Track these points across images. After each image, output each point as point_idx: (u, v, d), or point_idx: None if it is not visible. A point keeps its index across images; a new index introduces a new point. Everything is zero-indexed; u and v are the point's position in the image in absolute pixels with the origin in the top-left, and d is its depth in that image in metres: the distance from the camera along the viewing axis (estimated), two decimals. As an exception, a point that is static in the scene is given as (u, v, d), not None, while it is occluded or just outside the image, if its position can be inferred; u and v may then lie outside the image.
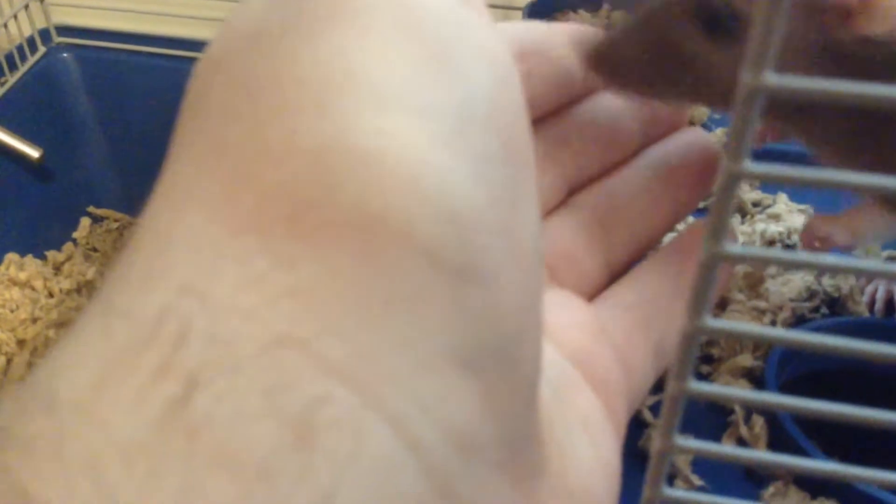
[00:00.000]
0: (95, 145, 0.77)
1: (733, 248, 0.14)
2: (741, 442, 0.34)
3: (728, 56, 0.27)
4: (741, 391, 0.16)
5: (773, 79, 0.13)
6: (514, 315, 0.16)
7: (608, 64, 0.28)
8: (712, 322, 0.15)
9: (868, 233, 0.33)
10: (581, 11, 0.63)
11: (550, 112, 0.29)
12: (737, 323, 0.15)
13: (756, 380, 0.37)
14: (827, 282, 0.45)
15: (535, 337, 0.17)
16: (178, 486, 0.12)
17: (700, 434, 0.34)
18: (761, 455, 0.16)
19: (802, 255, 0.14)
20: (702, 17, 0.27)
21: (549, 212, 0.29)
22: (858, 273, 0.24)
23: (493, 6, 0.61)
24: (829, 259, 0.14)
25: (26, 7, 0.73)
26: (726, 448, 0.16)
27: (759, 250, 0.14)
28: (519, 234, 0.16)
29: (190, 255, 0.15)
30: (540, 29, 0.28)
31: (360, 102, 0.15)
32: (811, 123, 0.29)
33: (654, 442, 0.17)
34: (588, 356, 0.24)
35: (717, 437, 0.35)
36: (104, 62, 0.76)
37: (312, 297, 0.14)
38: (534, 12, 0.61)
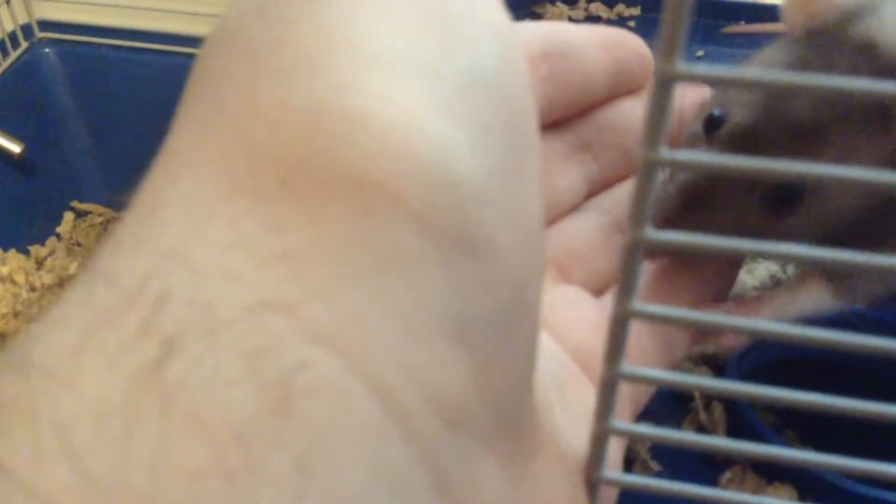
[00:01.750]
0: (78, 140, 0.77)
1: (655, 233, 0.15)
2: (701, 428, 0.35)
3: (790, 225, 0.27)
4: (667, 374, 0.17)
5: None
6: (510, 288, 0.16)
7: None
8: (641, 306, 0.16)
9: (806, 308, 0.31)
10: (559, 4, 0.63)
11: (574, 114, 0.29)
12: (666, 308, 0.15)
13: (719, 367, 0.38)
14: (791, 270, 0.45)
15: (532, 314, 0.17)
16: (151, 451, 0.12)
17: (662, 421, 0.34)
18: (694, 437, 0.16)
19: (734, 242, 0.14)
20: (762, 193, 0.26)
21: (567, 211, 0.29)
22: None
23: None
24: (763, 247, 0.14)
25: (7, 2, 0.73)
26: (661, 431, 0.16)
27: (679, 235, 0.14)
28: (518, 208, 0.16)
29: (179, 218, 0.14)
30: (568, 30, 0.28)
31: (358, 65, 0.15)
32: None
33: (592, 425, 0.17)
34: (591, 353, 0.23)
35: (679, 424, 0.35)
36: (87, 57, 0.76)
37: (301, 261, 0.14)
38: (510, 4, 0.61)
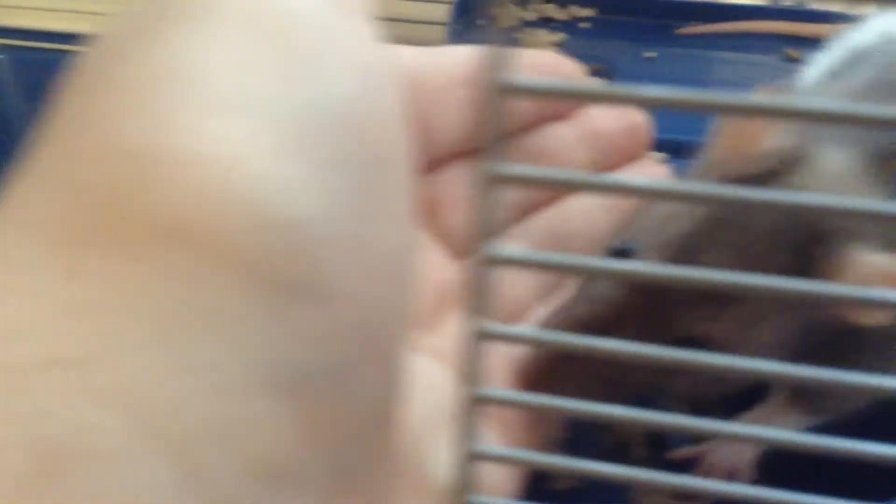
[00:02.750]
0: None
1: (503, 250, 0.14)
2: (620, 440, 0.34)
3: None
4: (522, 395, 0.16)
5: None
6: (355, 335, 0.15)
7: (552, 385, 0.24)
8: (492, 326, 0.15)
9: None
10: (510, 6, 0.63)
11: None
12: (516, 327, 0.14)
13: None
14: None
15: (386, 359, 0.16)
16: None
17: (585, 432, 0.33)
18: (569, 462, 0.16)
19: (579, 260, 0.14)
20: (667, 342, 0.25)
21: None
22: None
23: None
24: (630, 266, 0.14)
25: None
26: (521, 453, 0.16)
27: (528, 254, 0.14)
28: (374, 247, 0.16)
29: None
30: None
31: (187, 102, 0.14)
32: None
33: (458, 448, 0.17)
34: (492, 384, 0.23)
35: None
36: (39, 63, 0.75)
37: (100, 314, 0.13)
38: (462, 5, 0.60)
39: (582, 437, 0.30)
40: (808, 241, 0.24)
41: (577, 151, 0.29)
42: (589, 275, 0.23)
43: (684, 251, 0.24)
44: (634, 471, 0.15)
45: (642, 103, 0.12)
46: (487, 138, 0.13)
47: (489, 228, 0.14)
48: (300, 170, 0.14)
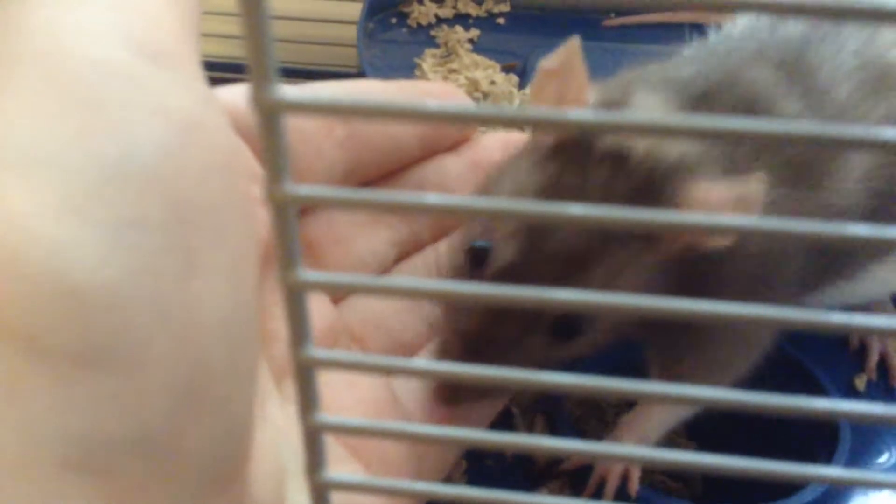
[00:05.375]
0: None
1: (311, 276, 0.13)
2: None
3: (574, 348, 0.26)
4: (372, 422, 0.15)
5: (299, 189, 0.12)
6: (167, 400, 0.14)
7: (454, 398, 0.25)
8: (317, 352, 0.14)
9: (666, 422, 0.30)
10: (427, 2, 0.62)
11: (382, 175, 0.28)
12: (345, 354, 0.14)
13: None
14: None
15: (221, 416, 0.16)
16: None
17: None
18: (424, 486, 0.15)
19: (383, 281, 0.13)
20: (546, 328, 0.25)
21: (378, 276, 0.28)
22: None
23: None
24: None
25: None
26: (370, 479, 0.15)
27: (335, 277, 0.13)
28: (189, 305, 0.15)
29: None
30: (371, 90, 0.27)
31: None
32: None
33: (307, 479, 0.16)
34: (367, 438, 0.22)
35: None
36: None
37: None
38: (375, 3, 0.60)
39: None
40: (649, 188, 0.24)
41: (466, 182, 0.29)
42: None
43: (535, 233, 0.24)
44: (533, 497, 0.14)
45: (420, 117, 0.12)
46: (269, 159, 0.12)
47: (291, 255, 0.13)
48: (91, 232, 0.14)
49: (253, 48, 0.11)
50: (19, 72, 0.15)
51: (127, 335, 0.14)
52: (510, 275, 0.24)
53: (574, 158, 0.25)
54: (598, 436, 0.33)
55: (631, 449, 0.13)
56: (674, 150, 0.25)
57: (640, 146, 0.25)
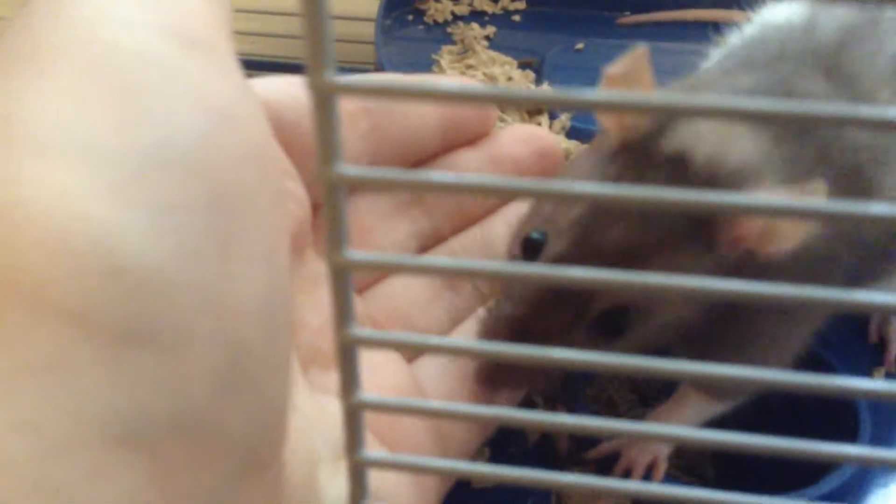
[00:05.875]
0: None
1: (357, 255, 0.14)
2: (544, 434, 0.34)
3: (619, 347, 0.26)
4: (411, 400, 0.16)
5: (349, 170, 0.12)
6: (216, 379, 0.15)
7: (497, 380, 0.25)
8: (361, 331, 0.15)
9: (693, 419, 0.30)
10: (443, 0, 0.63)
11: (403, 168, 0.28)
12: (386, 332, 0.14)
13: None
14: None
15: (259, 399, 0.16)
16: None
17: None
18: (453, 464, 0.15)
19: (429, 260, 0.14)
20: (590, 322, 0.25)
21: None
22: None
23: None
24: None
25: None
26: (407, 458, 0.15)
27: (382, 257, 0.13)
28: (229, 289, 0.15)
29: None
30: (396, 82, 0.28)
31: (12, 149, 0.14)
32: None
33: (346, 457, 0.17)
34: (393, 424, 0.23)
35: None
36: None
37: None
38: (393, 1, 0.60)
39: (508, 433, 0.30)
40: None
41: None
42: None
43: (590, 227, 0.24)
44: (551, 474, 0.15)
45: (469, 99, 0.12)
46: (322, 140, 0.13)
47: (339, 235, 0.13)
48: (137, 214, 0.14)
49: (311, 38, 0.12)
50: (61, 61, 0.15)
51: (171, 315, 0.14)
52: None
53: (635, 161, 0.25)
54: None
55: (670, 428, 0.14)
56: (735, 156, 0.25)
57: (701, 151, 0.25)
